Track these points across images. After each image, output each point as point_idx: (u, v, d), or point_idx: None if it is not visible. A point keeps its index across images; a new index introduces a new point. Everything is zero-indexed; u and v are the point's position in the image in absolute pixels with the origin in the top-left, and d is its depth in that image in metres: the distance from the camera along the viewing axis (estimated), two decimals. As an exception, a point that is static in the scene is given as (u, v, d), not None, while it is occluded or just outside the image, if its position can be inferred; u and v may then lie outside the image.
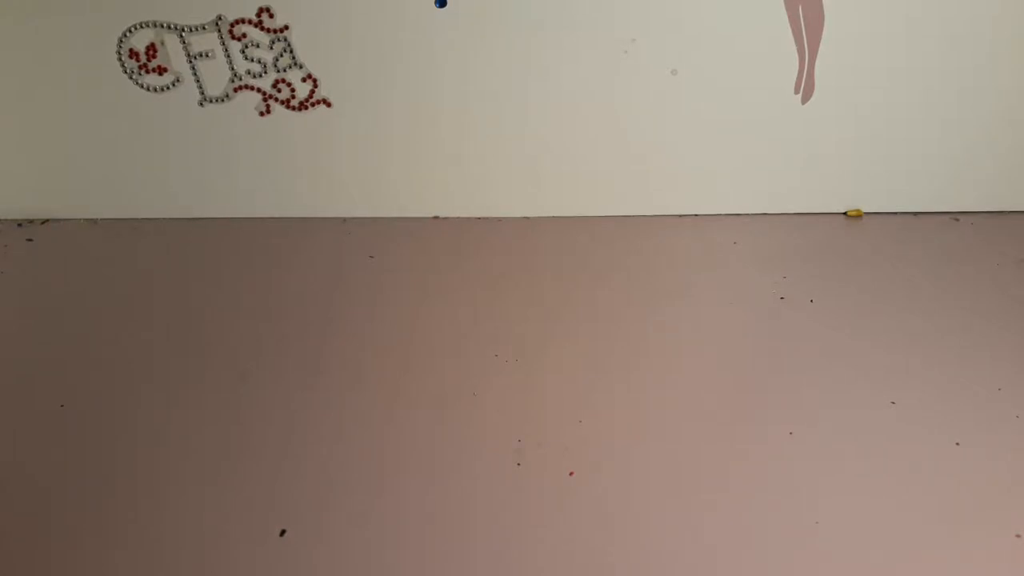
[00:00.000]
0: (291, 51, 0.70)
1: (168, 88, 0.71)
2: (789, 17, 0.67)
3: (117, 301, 0.68)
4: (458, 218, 0.80)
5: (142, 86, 0.71)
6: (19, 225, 0.80)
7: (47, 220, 0.80)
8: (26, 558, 0.46)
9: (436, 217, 0.80)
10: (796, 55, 0.69)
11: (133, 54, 0.70)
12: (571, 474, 0.50)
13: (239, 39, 0.69)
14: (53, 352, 0.62)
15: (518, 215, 0.80)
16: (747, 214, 0.79)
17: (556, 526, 0.47)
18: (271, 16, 0.68)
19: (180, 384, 0.58)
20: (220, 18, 0.68)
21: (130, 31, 0.69)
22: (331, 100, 0.72)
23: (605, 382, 0.58)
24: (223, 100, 0.72)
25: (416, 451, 0.52)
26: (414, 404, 0.56)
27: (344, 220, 0.79)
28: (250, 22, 0.68)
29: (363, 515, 0.48)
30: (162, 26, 0.68)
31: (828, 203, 0.79)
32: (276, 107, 0.73)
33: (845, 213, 0.79)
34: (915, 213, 0.79)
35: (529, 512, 0.48)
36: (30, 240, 0.77)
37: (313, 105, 0.72)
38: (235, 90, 0.72)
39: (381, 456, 0.52)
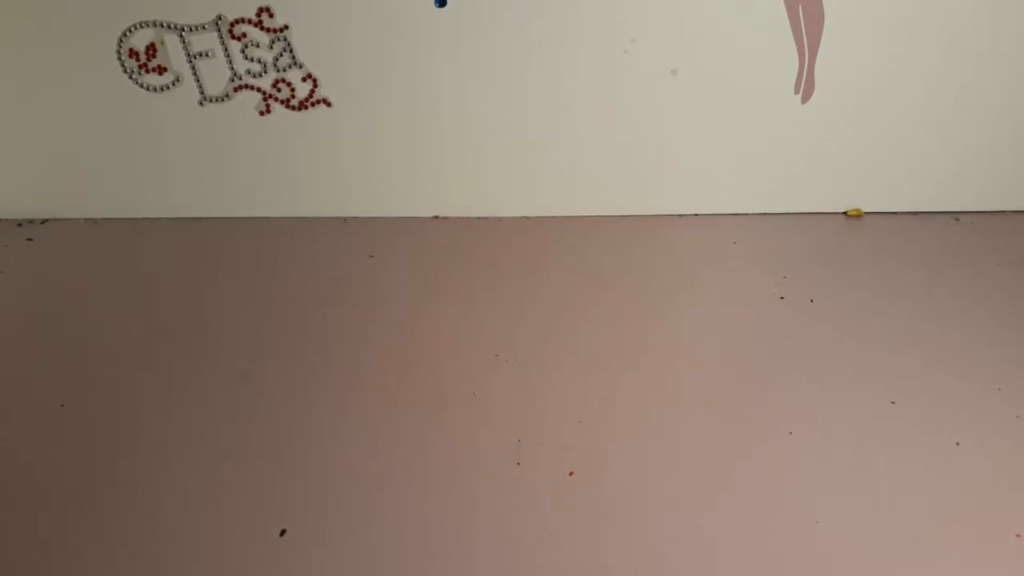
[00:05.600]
0: (291, 51, 0.69)
1: (168, 88, 0.71)
2: (789, 17, 0.67)
3: (117, 301, 0.68)
4: (458, 218, 0.80)
5: (142, 86, 0.71)
6: (19, 225, 0.80)
7: (47, 220, 0.80)
8: (26, 558, 0.46)
9: (436, 217, 0.80)
10: (796, 55, 0.69)
11: (133, 54, 0.70)
12: (571, 474, 0.50)
13: (239, 39, 0.69)
14: (53, 352, 0.62)
15: (518, 215, 0.80)
16: (747, 214, 0.79)
17: (556, 526, 0.47)
18: (271, 16, 0.68)
19: (180, 384, 0.58)
20: (220, 18, 0.68)
21: (130, 31, 0.69)
22: (331, 100, 0.72)
23: (605, 382, 0.58)
24: (223, 100, 0.72)
25: (416, 451, 0.52)
26: (414, 404, 0.56)
27: (344, 220, 0.79)
28: (250, 22, 0.68)
29: (363, 515, 0.48)
30: (162, 26, 0.68)
31: (828, 203, 0.79)
32: (276, 107, 0.73)
33: (845, 213, 0.79)
34: (915, 213, 0.79)
35: (529, 512, 0.48)
36: (30, 240, 0.77)
37: (313, 105, 0.72)
38: (235, 90, 0.72)
39: (381, 456, 0.52)
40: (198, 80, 0.71)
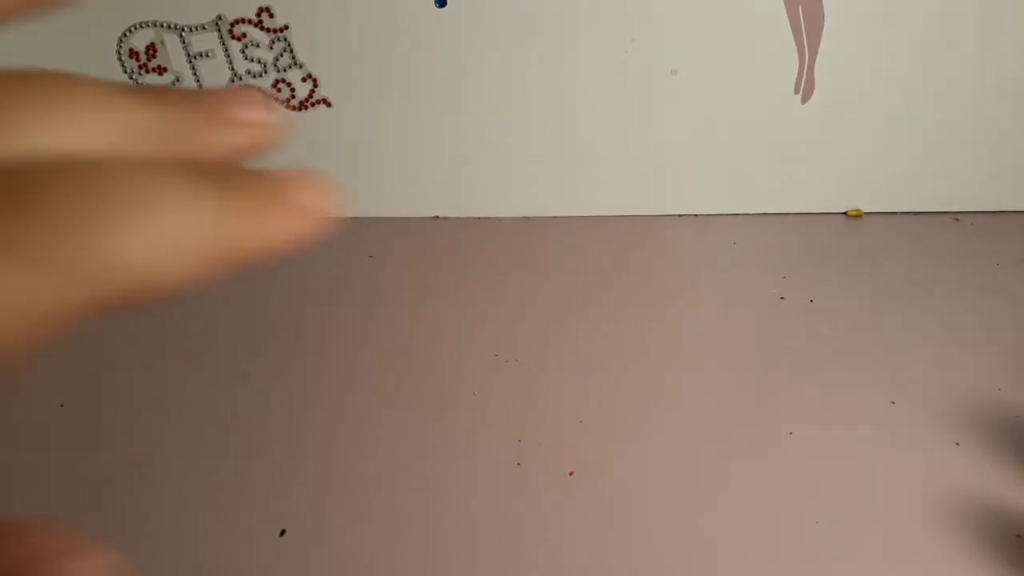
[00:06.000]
0: (291, 51, 0.70)
1: (168, 88, 0.71)
2: (789, 17, 0.67)
3: (117, 301, 0.68)
4: (458, 218, 0.80)
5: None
6: (19, 225, 0.79)
7: (47, 220, 0.80)
8: (26, 558, 0.46)
9: (436, 217, 0.80)
10: (796, 55, 0.69)
11: (133, 54, 0.70)
12: (571, 474, 0.50)
13: (239, 39, 0.69)
14: (52, 352, 0.62)
15: (518, 215, 0.80)
16: (747, 214, 0.79)
17: (556, 526, 0.47)
18: (271, 16, 0.68)
19: (180, 384, 0.58)
20: (220, 18, 0.68)
21: (130, 31, 0.69)
22: (331, 100, 0.72)
23: (605, 382, 0.58)
24: (223, 100, 0.72)
25: (416, 451, 0.52)
26: (414, 404, 0.56)
27: (344, 220, 0.79)
28: (250, 22, 0.68)
29: (363, 515, 0.48)
30: (162, 26, 0.68)
31: (828, 203, 0.79)
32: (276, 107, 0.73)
33: (845, 213, 0.79)
34: (915, 213, 0.79)
35: (529, 512, 0.48)
36: (30, 240, 0.77)
37: (313, 105, 0.72)
38: (235, 90, 0.72)
39: (381, 456, 0.52)
40: (198, 80, 0.71)
